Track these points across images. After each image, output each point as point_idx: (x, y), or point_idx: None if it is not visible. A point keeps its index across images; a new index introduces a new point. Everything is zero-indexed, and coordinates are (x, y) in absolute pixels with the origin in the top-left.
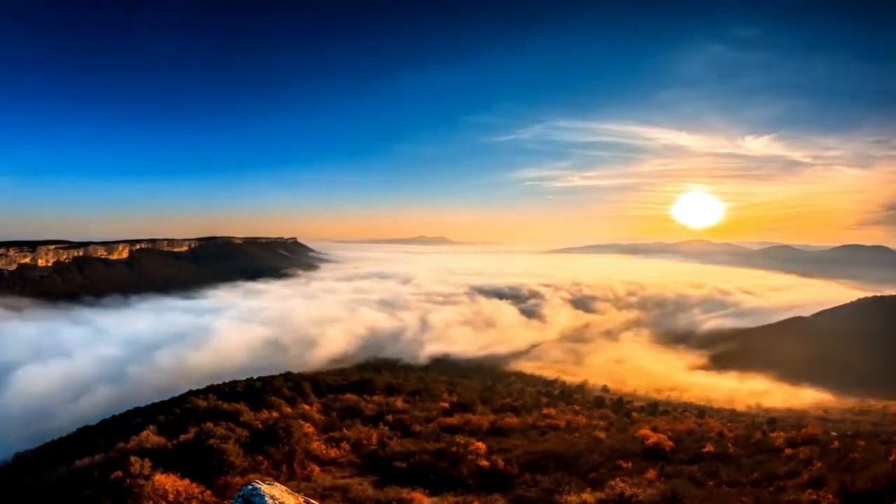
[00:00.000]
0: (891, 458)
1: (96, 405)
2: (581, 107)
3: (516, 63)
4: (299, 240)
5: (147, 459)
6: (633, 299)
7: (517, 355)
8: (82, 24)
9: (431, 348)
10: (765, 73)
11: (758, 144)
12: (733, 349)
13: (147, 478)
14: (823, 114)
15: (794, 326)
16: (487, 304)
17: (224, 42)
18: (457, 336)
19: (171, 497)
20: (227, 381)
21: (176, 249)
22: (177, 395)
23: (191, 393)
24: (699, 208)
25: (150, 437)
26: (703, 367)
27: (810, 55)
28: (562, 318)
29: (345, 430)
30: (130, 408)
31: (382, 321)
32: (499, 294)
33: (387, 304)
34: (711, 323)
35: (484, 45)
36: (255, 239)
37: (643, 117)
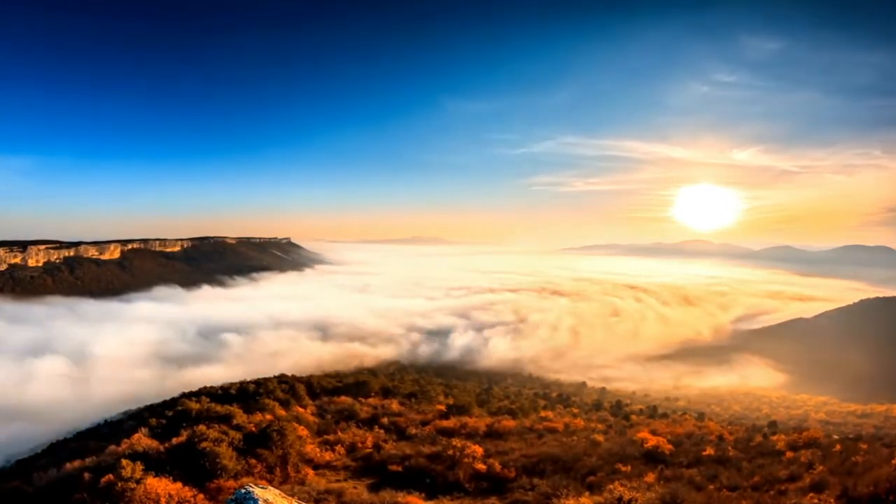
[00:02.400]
0: (893, 462)
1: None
2: (587, 127)
3: (539, 98)
4: (293, 240)
5: (139, 463)
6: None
7: None
8: (72, 19)
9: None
10: (748, 105)
11: (745, 156)
12: (734, 350)
13: (139, 481)
14: (806, 134)
15: (796, 327)
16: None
17: (223, 40)
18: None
19: (163, 501)
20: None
21: (168, 249)
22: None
23: (183, 395)
24: (699, 210)
25: (141, 440)
26: (703, 369)
27: (787, 92)
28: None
29: (339, 433)
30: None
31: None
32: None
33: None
34: (712, 324)
35: (513, 83)
36: (249, 239)
37: (641, 136)
